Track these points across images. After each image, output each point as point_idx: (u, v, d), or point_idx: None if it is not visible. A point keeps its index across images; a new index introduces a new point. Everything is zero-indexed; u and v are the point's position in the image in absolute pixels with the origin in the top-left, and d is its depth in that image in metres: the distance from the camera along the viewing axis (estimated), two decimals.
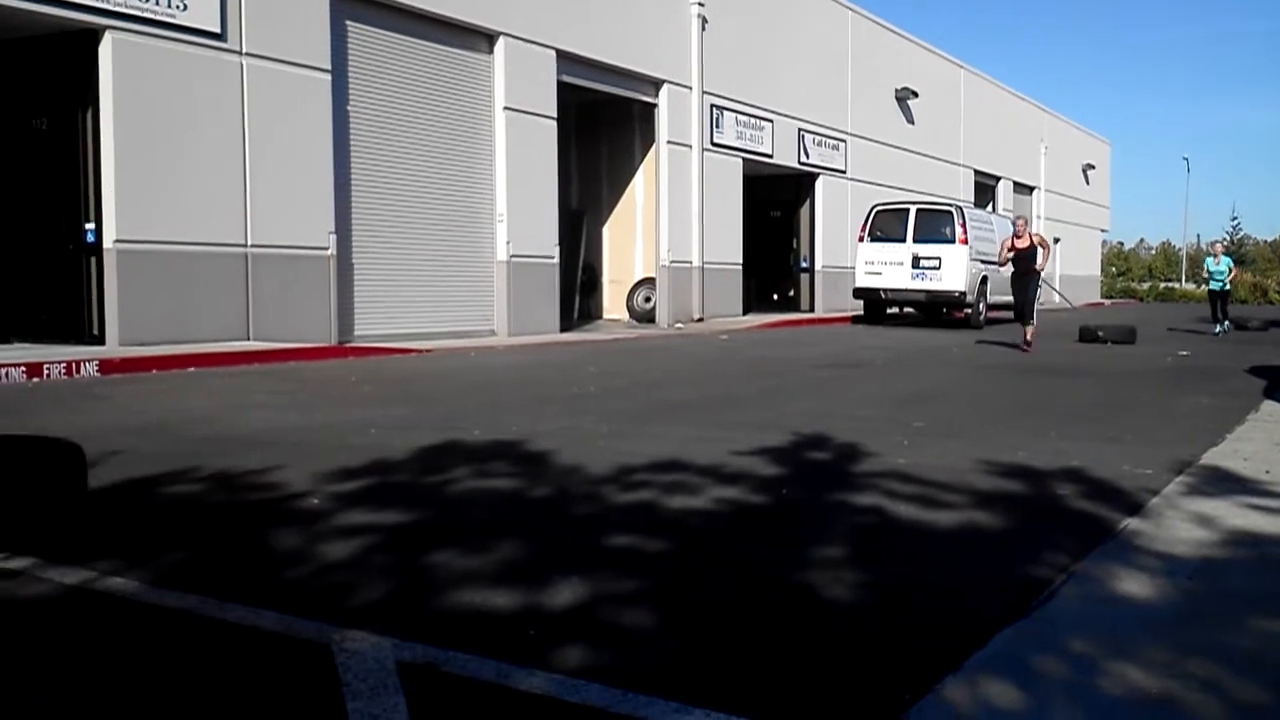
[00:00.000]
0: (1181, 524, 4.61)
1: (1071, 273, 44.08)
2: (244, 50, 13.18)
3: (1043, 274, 16.03)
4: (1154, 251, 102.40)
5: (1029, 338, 15.46)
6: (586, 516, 4.76)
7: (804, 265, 27.11)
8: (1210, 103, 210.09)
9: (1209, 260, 21.80)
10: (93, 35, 11.89)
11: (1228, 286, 21.38)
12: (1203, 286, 24.74)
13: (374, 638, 3.14)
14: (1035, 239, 15.73)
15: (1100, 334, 17.11)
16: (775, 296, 27.39)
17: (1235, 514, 4.78)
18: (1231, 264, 21.71)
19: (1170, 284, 65.03)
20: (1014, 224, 16.39)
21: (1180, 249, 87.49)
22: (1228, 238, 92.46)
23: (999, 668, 2.96)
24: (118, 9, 11.82)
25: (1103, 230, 51.18)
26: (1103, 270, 54.60)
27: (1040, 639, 3.20)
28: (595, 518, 4.72)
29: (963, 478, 5.58)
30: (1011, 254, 15.90)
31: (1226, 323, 20.80)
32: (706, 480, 5.48)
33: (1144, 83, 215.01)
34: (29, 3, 11.18)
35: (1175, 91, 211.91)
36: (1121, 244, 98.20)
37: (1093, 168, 46.46)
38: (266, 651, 3.10)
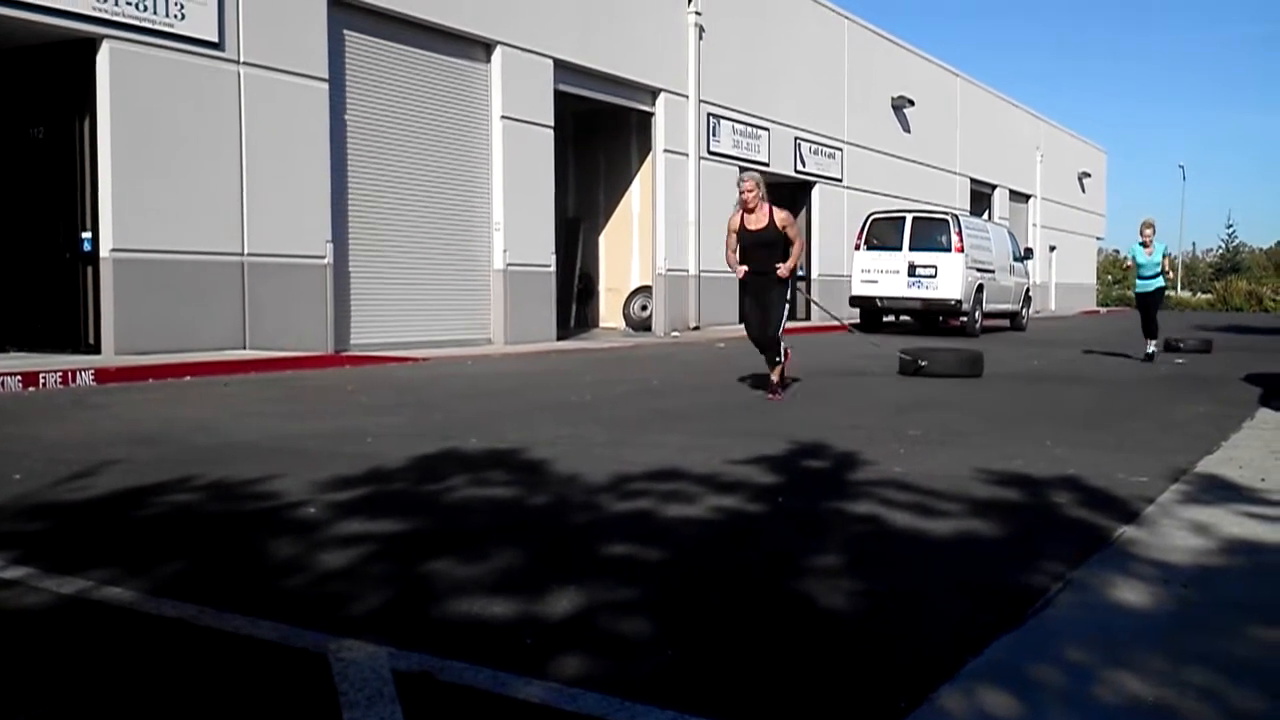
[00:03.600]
0: (1177, 532, 4.61)
1: (1067, 281, 44.18)
2: (242, 60, 13.19)
3: (798, 279, 9.94)
4: None
5: (777, 377, 9.96)
6: (584, 525, 4.77)
7: (800, 273, 27.13)
8: (1206, 110, 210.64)
9: (1136, 249, 15.40)
10: (90, 44, 11.90)
11: (1164, 284, 15.47)
12: (1129, 279, 17.24)
13: (371, 647, 3.14)
14: (781, 219, 9.69)
15: (922, 364, 12.01)
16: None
17: (1231, 522, 4.79)
18: (1169, 253, 15.79)
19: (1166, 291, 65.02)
20: (739, 184, 9.76)
21: (1176, 256, 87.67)
22: (1223, 243, 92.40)
23: (995, 676, 2.96)
24: (116, 19, 11.84)
25: (1099, 238, 51.29)
26: (1098, 278, 54.67)
27: (1036, 647, 3.21)
28: (592, 526, 4.73)
29: (959, 486, 5.59)
30: (737, 239, 9.80)
31: (1152, 344, 15.28)
32: (703, 489, 5.48)
33: (1140, 90, 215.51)
34: (27, 13, 11.20)
35: (1171, 99, 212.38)
36: (1117, 251, 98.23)
37: (1088, 176, 46.55)
38: (263, 661, 3.10)
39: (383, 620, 3.41)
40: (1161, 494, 5.40)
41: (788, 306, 9.93)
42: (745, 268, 9.77)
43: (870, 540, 4.52)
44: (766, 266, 9.69)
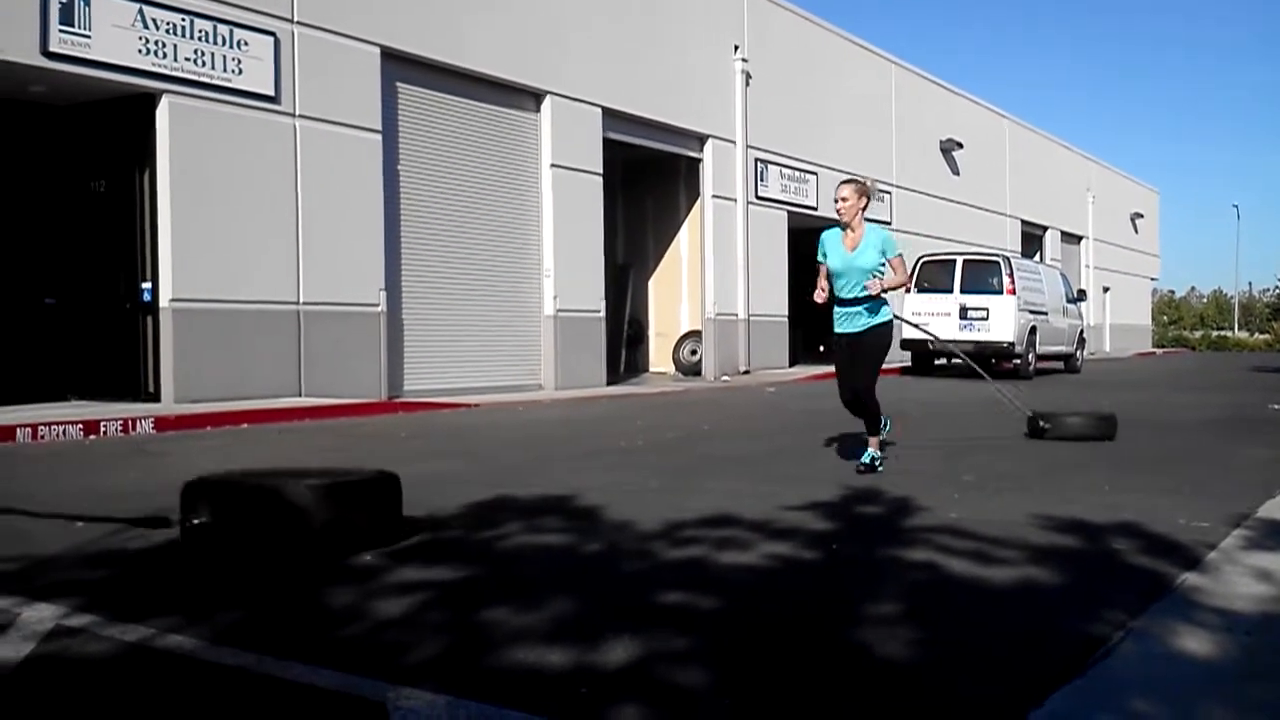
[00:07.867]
0: (1240, 578, 4.53)
1: (1122, 322, 43.68)
2: (297, 112, 13.45)
3: None
4: (1205, 300, 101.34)
5: None
6: (637, 573, 4.76)
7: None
8: (1260, 148, 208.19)
9: (830, 238, 7.65)
10: (150, 99, 12.19)
11: (888, 319, 7.72)
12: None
13: (429, 695, 3.16)
14: None
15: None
16: (822, 348, 27.26)
17: None
18: (894, 249, 7.57)
19: (1223, 332, 64.08)
20: None
21: (1232, 296, 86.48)
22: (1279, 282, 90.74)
23: None
24: (175, 74, 12.13)
25: (1153, 279, 50.73)
26: (1154, 319, 54.00)
27: (1099, 697, 3.16)
28: (646, 574, 4.72)
29: (1016, 532, 5.53)
30: None
31: (887, 423, 8.04)
32: (757, 536, 5.46)
33: (1192, 130, 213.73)
34: (90, 69, 11.50)
35: (1224, 138, 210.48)
36: (1173, 292, 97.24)
37: (1141, 216, 46.14)
38: (324, 709, 3.12)
39: (440, 669, 3.43)
40: (1224, 540, 5.31)
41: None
42: None
43: (927, 588, 4.48)
44: None
